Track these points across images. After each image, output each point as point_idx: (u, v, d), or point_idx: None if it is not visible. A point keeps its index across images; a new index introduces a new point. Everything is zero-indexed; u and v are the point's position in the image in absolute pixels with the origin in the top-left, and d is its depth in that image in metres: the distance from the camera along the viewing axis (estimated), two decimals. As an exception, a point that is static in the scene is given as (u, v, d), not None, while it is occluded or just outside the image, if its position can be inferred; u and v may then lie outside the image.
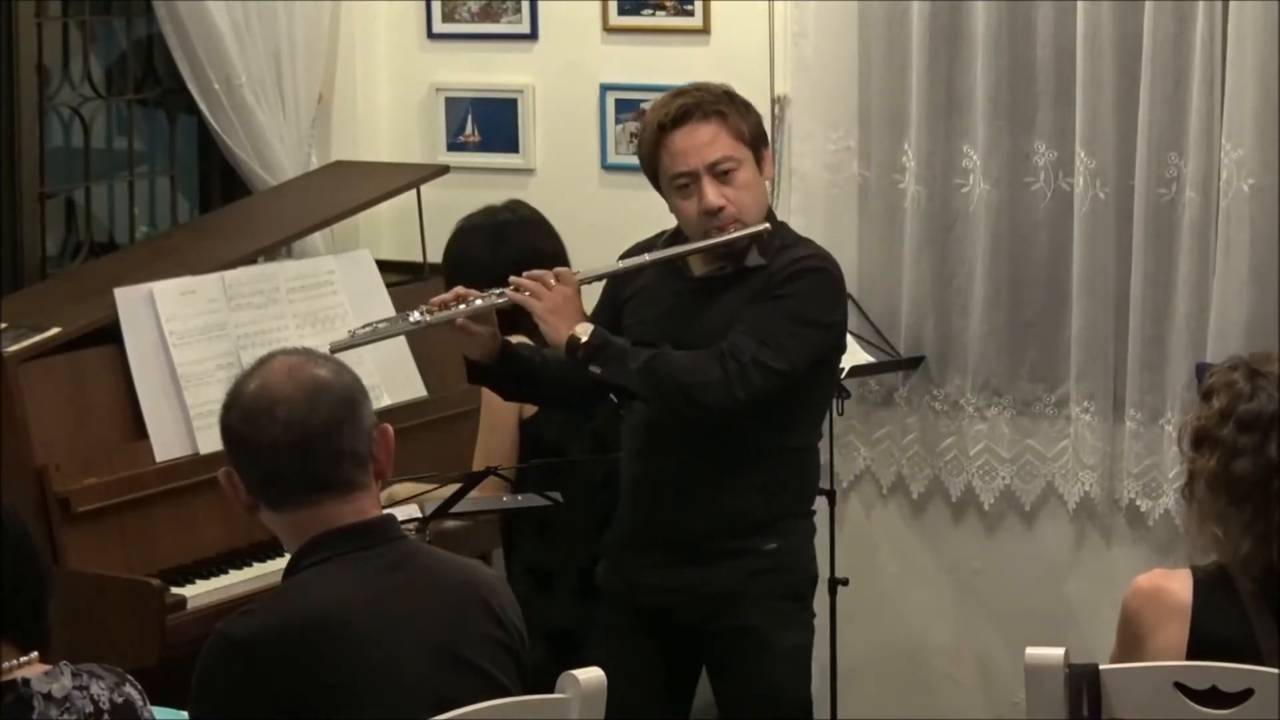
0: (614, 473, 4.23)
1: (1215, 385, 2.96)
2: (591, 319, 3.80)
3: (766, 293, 3.73)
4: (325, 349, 3.70)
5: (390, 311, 4.85)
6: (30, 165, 4.88)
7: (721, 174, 3.74)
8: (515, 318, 3.90)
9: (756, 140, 3.80)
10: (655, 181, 3.84)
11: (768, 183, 3.87)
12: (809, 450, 3.89)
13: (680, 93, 3.82)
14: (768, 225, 3.77)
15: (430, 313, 3.76)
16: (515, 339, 3.93)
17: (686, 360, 3.68)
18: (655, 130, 3.78)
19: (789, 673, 3.86)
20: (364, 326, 3.84)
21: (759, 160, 3.80)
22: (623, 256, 3.92)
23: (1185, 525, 3.05)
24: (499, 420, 4.36)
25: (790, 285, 3.73)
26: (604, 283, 3.95)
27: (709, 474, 3.77)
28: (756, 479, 3.78)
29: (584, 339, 3.67)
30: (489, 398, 4.27)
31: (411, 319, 3.78)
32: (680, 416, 3.71)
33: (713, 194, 3.73)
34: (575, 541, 4.32)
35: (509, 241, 4.52)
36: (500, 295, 3.75)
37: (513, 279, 3.75)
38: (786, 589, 3.84)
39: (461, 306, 3.74)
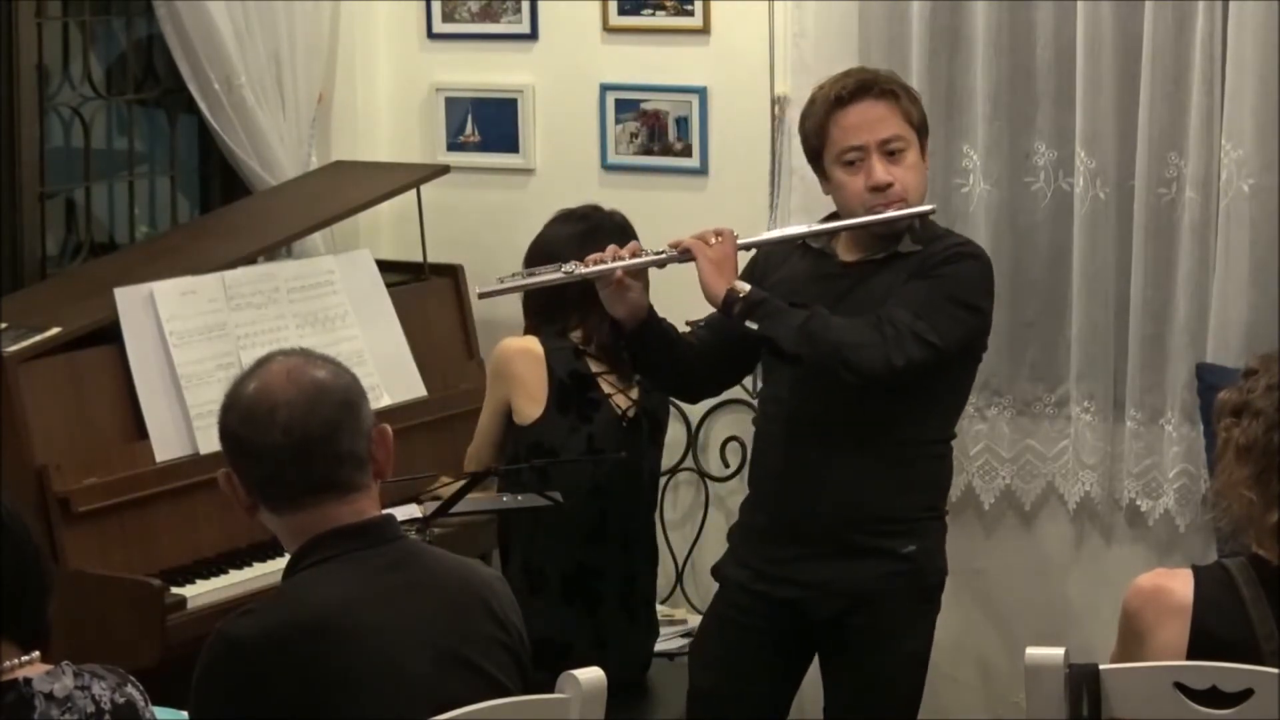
0: (608, 478, 4.22)
1: (1259, 365, 2.96)
2: None
3: (923, 272, 3.76)
4: (474, 295, 3.77)
5: (390, 311, 4.87)
6: (30, 165, 4.86)
7: (891, 153, 3.79)
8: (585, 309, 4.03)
9: (922, 128, 3.87)
10: (816, 158, 3.88)
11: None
12: (945, 445, 3.93)
13: (853, 71, 3.90)
14: (933, 206, 3.82)
15: (587, 265, 3.79)
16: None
17: (844, 323, 3.70)
18: (829, 104, 3.82)
19: (904, 672, 3.92)
20: (512, 275, 3.86)
21: (923, 149, 3.86)
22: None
23: (1210, 495, 3.02)
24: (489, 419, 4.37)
25: (947, 267, 3.77)
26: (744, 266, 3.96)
27: (851, 464, 3.79)
28: (897, 473, 3.81)
29: (743, 293, 3.71)
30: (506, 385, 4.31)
31: (564, 270, 3.80)
32: (834, 378, 3.69)
33: (881, 170, 3.78)
34: (564, 545, 4.30)
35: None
36: (660, 253, 3.79)
37: (671, 241, 3.80)
38: (920, 591, 3.89)
39: (621, 261, 3.78)
